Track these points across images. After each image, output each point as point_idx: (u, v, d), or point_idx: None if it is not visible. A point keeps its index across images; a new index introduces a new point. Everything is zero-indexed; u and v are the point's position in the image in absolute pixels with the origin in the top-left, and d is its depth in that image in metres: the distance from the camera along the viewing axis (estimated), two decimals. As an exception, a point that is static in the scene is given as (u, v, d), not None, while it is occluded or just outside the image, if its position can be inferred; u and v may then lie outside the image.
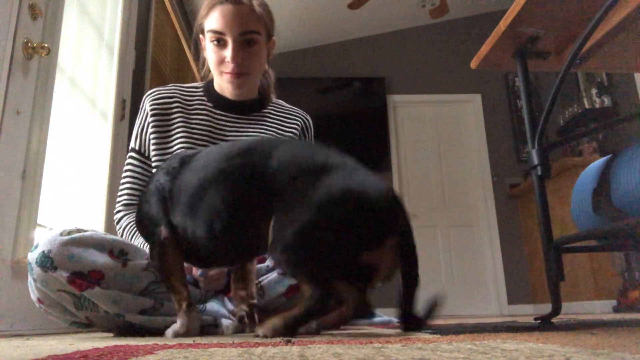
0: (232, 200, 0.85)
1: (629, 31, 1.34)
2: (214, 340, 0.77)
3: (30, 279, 0.97)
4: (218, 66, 1.22)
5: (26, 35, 1.44)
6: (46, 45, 1.48)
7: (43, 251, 0.94)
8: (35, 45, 1.46)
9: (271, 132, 1.30)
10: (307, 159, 0.84)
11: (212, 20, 1.18)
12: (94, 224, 2.02)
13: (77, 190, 1.88)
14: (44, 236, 0.98)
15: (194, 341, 0.74)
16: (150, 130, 1.25)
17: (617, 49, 1.45)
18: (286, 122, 1.35)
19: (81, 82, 1.94)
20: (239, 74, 1.22)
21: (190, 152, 1.02)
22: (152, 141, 1.24)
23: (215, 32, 1.18)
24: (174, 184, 0.93)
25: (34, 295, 0.99)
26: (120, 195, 1.27)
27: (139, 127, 1.28)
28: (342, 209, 0.75)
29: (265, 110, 1.34)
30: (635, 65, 1.58)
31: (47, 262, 0.93)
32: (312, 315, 0.75)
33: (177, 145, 1.22)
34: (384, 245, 0.77)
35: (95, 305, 0.96)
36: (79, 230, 1.00)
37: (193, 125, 1.24)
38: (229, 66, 1.20)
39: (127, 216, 1.23)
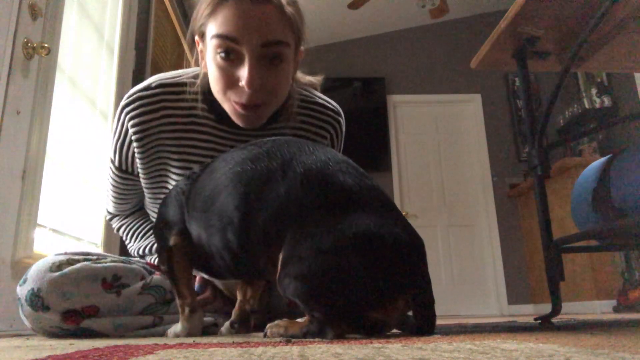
0: (239, 215, 0.78)
1: (629, 31, 1.34)
2: (214, 340, 0.77)
3: (20, 313, 0.92)
4: (225, 90, 0.89)
5: (26, 35, 1.44)
6: (46, 45, 1.47)
7: (32, 289, 0.88)
8: (35, 45, 1.46)
9: None
10: (332, 182, 0.74)
11: (221, 22, 0.84)
12: (94, 224, 2.02)
13: (77, 191, 1.88)
14: (33, 269, 0.91)
15: (193, 341, 0.74)
16: (135, 151, 1.01)
17: (617, 49, 1.45)
18: (313, 132, 1.06)
19: (81, 82, 1.94)
20: (255, 106, 0.90)
21: (221, 156, 0.88)
22: (139, 165, 1.02)
23: (225, 37, 0.84)
24: (192, 187, 0.87)
25: (27, 324, 0.93)
26: (107, 203, 1.18)
27: (117, 143, 1.03)
28: (353, 259, 0.68)
29: (284, 118, 1.03)
30: (635, 65, 1.58)
31: (38, 302, 0.88)
32: (310, 337, 0.74)
33: (172, 177, 1.02)
34: (394, 303, 0.71)
35: (93, 330, 0.92)
36: (69, 261, 0.93)
37: (190, 150, 0.99)
38: (241, 93, 0.88)
39: (117, 218, 1.19)
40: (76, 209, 1.86)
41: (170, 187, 1.03)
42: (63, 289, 0.89)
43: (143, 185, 1.06)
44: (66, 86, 1.79)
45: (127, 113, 0.98)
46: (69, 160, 1.81)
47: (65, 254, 0.96)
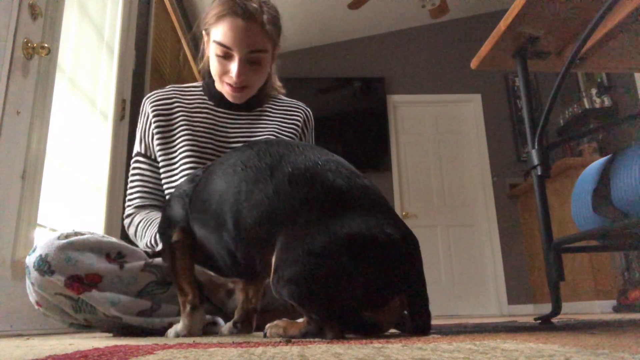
0: (232, 217, 0.81)
1: (629, 31, 1.34)
2: (214, 340, 0.77)
3: (28, 282, 0.98)
4: (220, 76, 1.22)
5: (26, 35, 1.44)
6: (46, 45, 1.48)
7: (40, 255, 0.94)
8: (35, 45, 1.46)
9: (273, 127, 1.30)
10: (321, 182, 0.74)
11: (220, 33, 1.15)
12: (94, 224, 2.02)
13: (77, 190, 1.88)
14: (42, 239, 0.98)
15: (193, 341, 0.74)
16: (154, 132, 1.25)
17: (617, 49, 1.45)
18: (287, 116, 1.35)
19: (81, 82, 1.94)
20: (241, 88, 1.22)
21: (219, 159, 0.98)
22: (156, 142, 1.24)
23: (222, 45, 1.15)
24: (195, 190, 0.93)
25: (32, 297, 1.00)
26: (131, 200, 1.25)
27: (142, 131, 1.28)
28: (345, 260, 0.67)
29: (267, 105, 1.34)
30: (635, 65, 1.58)
31: (44, 266, 0.93)
32: (309, 337, 0.74)
33: (181, 144, 1.22)
34: (389, 303, 0.71)
35: (93, 307, 0.97)
36: (76, 234, 1.00)
37: (195, 124, 1.24)
38: (231, 79, 1.19)
39: (140, 214, 1.22)
40: (76, 209, 1.86)
41: (181, 155, 1.20)
42: (69, 255, 0.95)
43: (160, 162, 1.24)
44: (66, 86, 1.79)
45: (147, 99, 1.29)
46: (69, 160, 1.81)
47: (73, 230, 1.03)
